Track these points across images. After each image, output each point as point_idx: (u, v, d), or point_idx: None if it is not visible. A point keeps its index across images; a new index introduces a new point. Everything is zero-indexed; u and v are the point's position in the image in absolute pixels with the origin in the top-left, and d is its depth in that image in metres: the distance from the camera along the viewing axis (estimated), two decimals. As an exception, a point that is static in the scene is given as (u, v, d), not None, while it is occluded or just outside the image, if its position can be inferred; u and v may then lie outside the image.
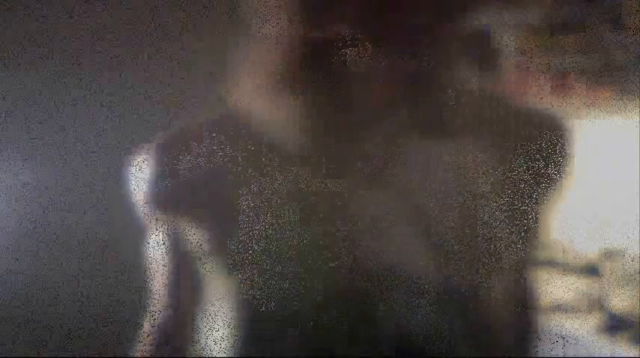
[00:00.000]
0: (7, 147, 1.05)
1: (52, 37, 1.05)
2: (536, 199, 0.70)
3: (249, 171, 0.72)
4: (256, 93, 0.72)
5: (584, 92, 1.48)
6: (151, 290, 0.76)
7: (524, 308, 0.73)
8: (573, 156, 0.71)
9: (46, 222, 1.13)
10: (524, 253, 0.69)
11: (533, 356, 0.77)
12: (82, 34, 1.09)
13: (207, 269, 0.71)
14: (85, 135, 1.18)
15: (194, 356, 0.75)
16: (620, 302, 1.30)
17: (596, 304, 1.48)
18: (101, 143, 1.19)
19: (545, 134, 0.71)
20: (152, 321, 0.76)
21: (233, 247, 0.70)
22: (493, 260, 0.67)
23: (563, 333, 1.30)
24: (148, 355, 0.78)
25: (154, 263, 0.75)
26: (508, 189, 0.69)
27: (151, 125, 0.90)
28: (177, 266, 0.75)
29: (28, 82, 1.05)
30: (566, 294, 1.63)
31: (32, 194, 1.13)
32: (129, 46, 1.23)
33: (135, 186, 0.75)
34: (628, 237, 1.62)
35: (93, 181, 1.02)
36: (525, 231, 0.69)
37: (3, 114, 1.16)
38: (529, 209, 0.69)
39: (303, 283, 0.70)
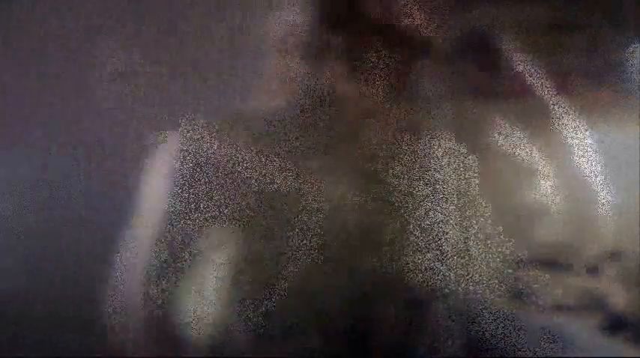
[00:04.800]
0: (6, 143, 1.05)
1: (50, 34, 1.04)
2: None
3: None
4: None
5: (584, 92, 1.48)
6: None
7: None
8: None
9: (48, 220, 1.13)
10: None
11: (534, 356, 0.77)
12: (80, 31, 1.09)
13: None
14: (83, 134, 1.18)
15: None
16: (620, 302, 1.30)
17: (596, 304, 1.48)
18: (100, 142, 1.19)
19: None
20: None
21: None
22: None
23: (563, 333, 1.30)
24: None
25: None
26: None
27: (152, 126, 0.90)
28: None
29: (27, 80, 1.05)
30: (566, 294, 1.62)
31: (32, 193, 1.13)
32: (128, 46, 1.22)
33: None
34: (628, 237, 1.61)
35: (93, 181, 1.02)
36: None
37: (3, 112, 1.16)
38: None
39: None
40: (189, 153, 0.77)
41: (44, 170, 0.97)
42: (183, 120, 0.83)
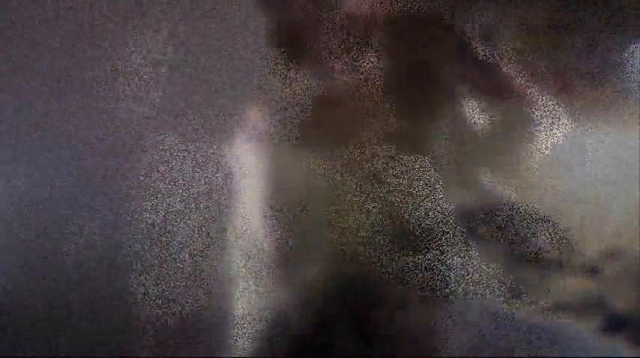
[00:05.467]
0: (6, 143, 1.05)
1: (48, 36, 1.04)
2: None
3: None
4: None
5: (584, 92, 1.47)
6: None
7: None
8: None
9: (48, 220, 1.13)
10: None
11: (534, 356, 0.77)
12: (79, 33, 1.09)
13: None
14: (83, 134, 1.18)
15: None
16: (620, 302, 1.30)
17: (596, 304, 1.48)
18: (99, 142, 1.19)
19: None
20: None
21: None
22: None
23: (564, 333, 1.30)
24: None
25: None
26: None
27: (153, 127, 0.90)
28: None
29: (26, 80, 1.05)
30: (566, 294, 1.62)
31: (32, 193, 1.13)
32: (127, 45, 1.22)
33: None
34: (628, 237, 1.61)
35: (92, 181, 1.02)
36: None
37: (6, 110, 1.16)
38: None
39: None
40: (190, 152, 0.77)
41: (44, 170, 0.97)
42: (183, 120, 0.83)
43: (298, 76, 0.74)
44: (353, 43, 0.73)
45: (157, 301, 0.80)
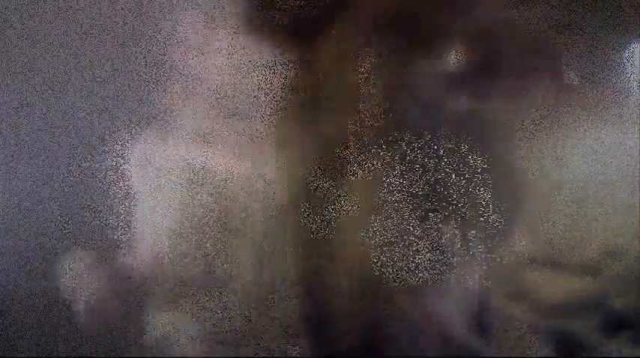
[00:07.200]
0: (6, 141, 1.05)
1: (48, 36, 1.04)
2: None
3: None
4: None
5: (584, 92, 1.47)
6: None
7: None
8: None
9: (51, 219, 1.13)
10: None
11: (534, 356, 0.77)
12: (78, 33, 1.09)
13: None
14: (79, 135, 1.18)
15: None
16: (620, 302, 1.30)
17: (596, 304, 1.47)
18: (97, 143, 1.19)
19: None
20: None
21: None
22: None
23: (563, 333, 1.30)
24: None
25: None
26: None
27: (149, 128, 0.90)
28: None
29: (24, 82, 1.05)
30: (566, 294, 1.61)
31: (31, 193, 1.12)
32: (126, 46, 1.22)
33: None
34: (628, 237, 1.61)
35: (92, 181, 1.02)
36: None
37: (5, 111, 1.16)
38: None
39: None
40: (190, 152, 0.77)
41: (44, 170, 0.96)
42: (183, 120, 0.83)
43: (299, 76, 0.73)
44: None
45: (157, 301, 0.80)
